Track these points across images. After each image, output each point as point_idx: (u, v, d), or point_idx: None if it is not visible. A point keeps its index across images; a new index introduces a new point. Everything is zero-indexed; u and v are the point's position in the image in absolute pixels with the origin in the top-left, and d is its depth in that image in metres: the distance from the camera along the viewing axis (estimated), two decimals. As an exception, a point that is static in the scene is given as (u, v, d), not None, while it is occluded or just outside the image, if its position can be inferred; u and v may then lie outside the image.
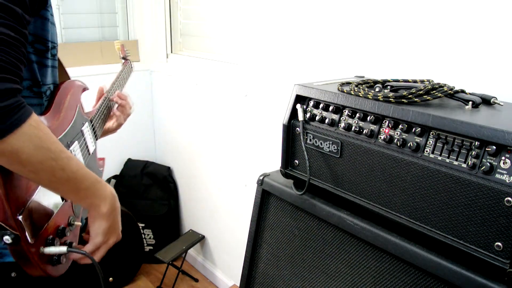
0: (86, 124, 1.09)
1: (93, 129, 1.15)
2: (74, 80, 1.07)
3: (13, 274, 0.87)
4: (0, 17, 0.69)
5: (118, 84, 1.42)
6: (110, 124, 1.34)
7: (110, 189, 0.91)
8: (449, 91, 0.97)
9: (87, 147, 1.08)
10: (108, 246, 0.94)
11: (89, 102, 1.23)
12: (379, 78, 1.18)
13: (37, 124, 0.72)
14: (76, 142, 1.00)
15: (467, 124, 0.81)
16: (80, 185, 0.82)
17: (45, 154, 0.74)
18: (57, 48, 0.97)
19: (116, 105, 1.35)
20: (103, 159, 1.26)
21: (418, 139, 0.90)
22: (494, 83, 1.15)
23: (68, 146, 0.94)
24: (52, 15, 0.93)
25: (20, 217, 0.77)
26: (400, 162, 0.92)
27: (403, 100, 0.95)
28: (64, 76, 1.08)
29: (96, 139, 1.18)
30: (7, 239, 0.77)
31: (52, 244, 0.86)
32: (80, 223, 0.99)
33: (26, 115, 0.70)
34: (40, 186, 0.83)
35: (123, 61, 1.61)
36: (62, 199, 0.92)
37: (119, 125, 1.35)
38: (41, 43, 0.89)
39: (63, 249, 0.86)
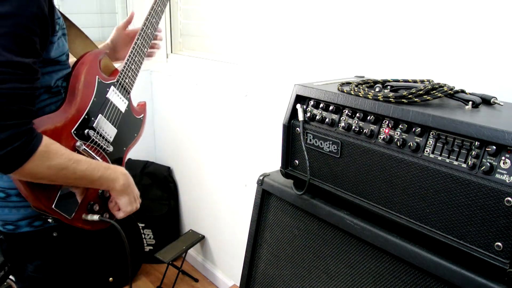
0: (111, 88, 1.15)
1: (122, 87, 1.19)
2: (87, 54, 1.10)
3: (54, 234, 1.06)
4: (13, 73, 0.82)
5: (150, 22, 1.31)
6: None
7: (121, 169, 1.07)
8: (449, 91, 0.97)
9: (117, 109, 1.17)
10: (136, 209, 1.16)
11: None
12: (379, 78, 1.18)
13: (46, 147, 0.87)
14: (100, 115, 1.08)
15: (467, 124, 0.81)
16: (92, 177, 0.98)
17: (57, 167, 0.89)
18: (67, 50, 1.04)
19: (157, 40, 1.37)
20: (142, 105, 1.32)
21: (418, 139, 0.90)
22: (494, 83, 1.15)
23: (92, 122, 1.07)
24: (63, 28, 1.00)
25: (53, 206, 0.95)
26: (400, 162, 0.91)
27: (403, 100, 0.95)
28: (88, 43, 1.16)
29: (129, 93, 1.23)
30: (50, 221, 1.01)
31: (91, 210, 1.07)
32: None
33: (37, 143, 0.85)
34: None
35: None
36: None
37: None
38: (53, 61, 0.98)
39: (95, 217, 1.07)
